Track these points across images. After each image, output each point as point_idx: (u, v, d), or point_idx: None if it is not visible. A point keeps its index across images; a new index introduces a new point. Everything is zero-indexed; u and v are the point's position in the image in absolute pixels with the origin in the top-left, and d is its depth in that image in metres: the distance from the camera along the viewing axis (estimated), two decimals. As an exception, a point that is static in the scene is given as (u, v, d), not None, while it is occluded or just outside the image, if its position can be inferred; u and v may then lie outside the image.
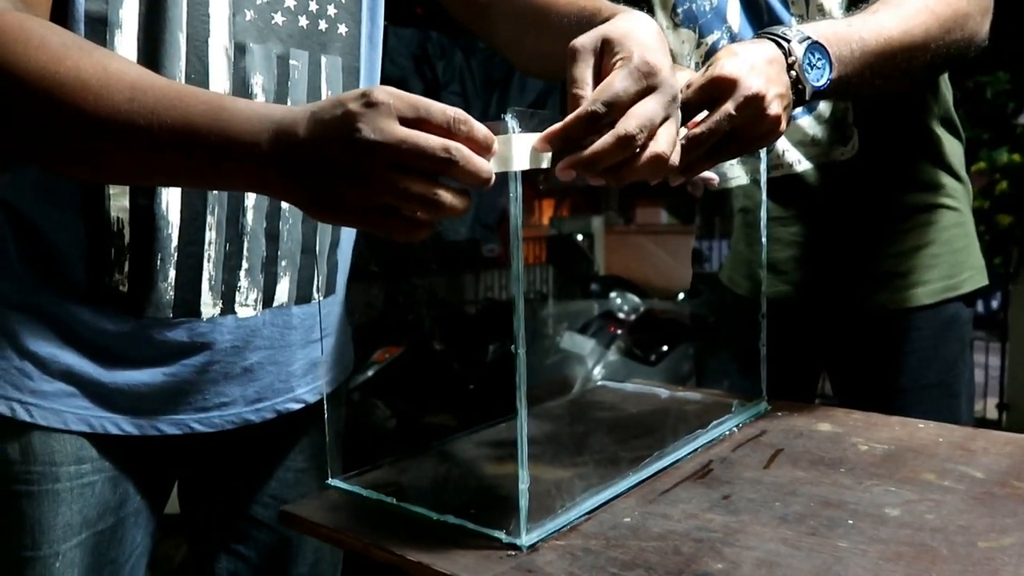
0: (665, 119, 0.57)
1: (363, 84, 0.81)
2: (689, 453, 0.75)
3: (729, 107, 0.63)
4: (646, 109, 0.55)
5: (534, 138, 0.55)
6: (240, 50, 0.70)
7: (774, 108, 0.64)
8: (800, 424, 0.85)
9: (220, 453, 0.81)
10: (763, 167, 0.87)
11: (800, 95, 0.68)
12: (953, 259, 1.01)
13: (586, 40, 0.58)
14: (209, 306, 0.72)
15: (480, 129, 0.53)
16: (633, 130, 0.54)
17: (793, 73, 0.67)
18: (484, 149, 0.53)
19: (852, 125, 0.97)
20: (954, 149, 1.03)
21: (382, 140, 0.50)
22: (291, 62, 0.74)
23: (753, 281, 1.08)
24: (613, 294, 3.47)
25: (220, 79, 0.69)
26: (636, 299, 3.42)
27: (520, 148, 0.54)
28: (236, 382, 0.76)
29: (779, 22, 0.97)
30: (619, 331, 3.18)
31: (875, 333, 1.03)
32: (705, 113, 0.67)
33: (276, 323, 0.77)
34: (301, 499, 0.67)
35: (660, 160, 0.56)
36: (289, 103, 0.73)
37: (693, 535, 0.58)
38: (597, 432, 0.85)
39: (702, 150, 0.65)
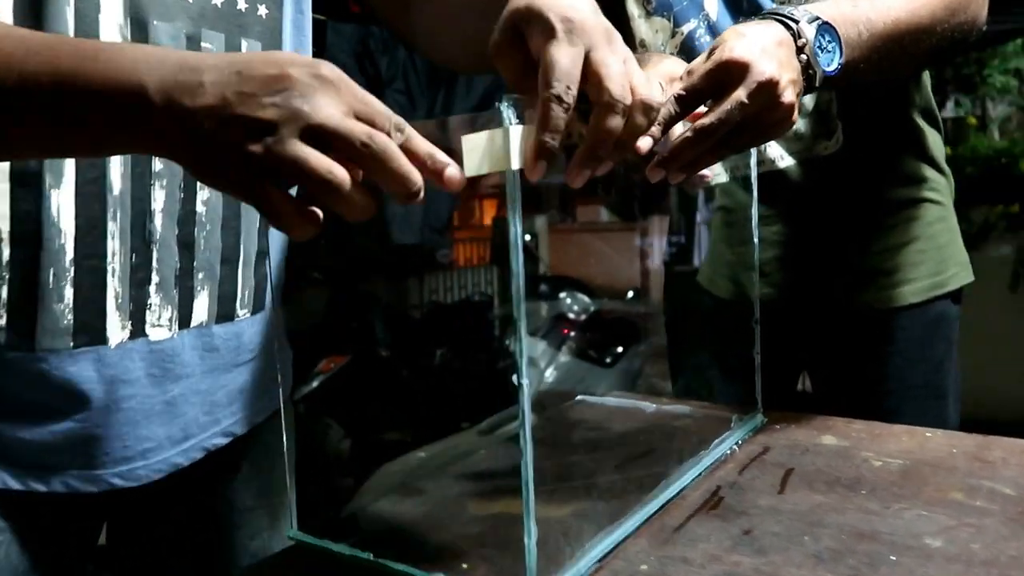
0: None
1: None
2: (694, 479, 0.68)
3: (741, 94, 0.56)
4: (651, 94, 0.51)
5: (533, 131, 0.47)
6: (139, 27, 0.59)
7: (788, 95, 0.58)
8: (803, 438, 0.79)
9: (148, 503, 0.70)
10: (753, 163, 0.81)
11: (810, 81, 0.62)
12: (939, 255, 0.97)
13: (498, 36, 0.54)
14: (117, 329, 0.61)
15: (422, 144, 0.46)
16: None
17: (803, 57, 0.61)
18: (421, 164, 0.46)
19: (836, 118, 0.92)
20: (936, 141, 0.99)
21: (321, 122, 0.42)
22: (204, 44, 0.63)
23: (736, 284, 1.02)
24: (563, 294, 3.41)
25: None
26: (586, 299, 3.37)
27: (519, 143, 0.45)
28: (159, 420, 0.65)
29: (759, 9, 0.91)
30: (570, 332, 3.12)
31: (860, 333, 0.99)
32: (708, 102, 0.60)
33: (196, 346, 0.67)
34: (258, 561, 0.57)
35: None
36: None
37: (723, 583, 0.51)
38: (586, 457, 0.77)
39: (710, 142, 0.58)
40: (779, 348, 1.00)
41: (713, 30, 0.95)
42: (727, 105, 0.56)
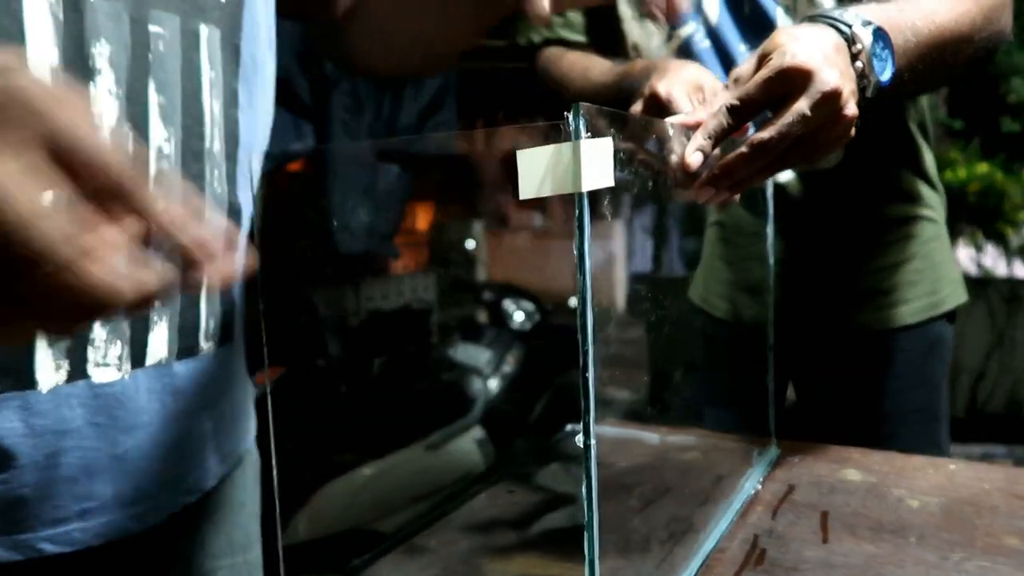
0: None
1: (244, 72, 0.61)
2: (728, 525, 0.62)
3: (803, 106, 0.50)
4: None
5: (607, 145, 0.40)
6: (73, 5, 0.49)
7: (851, 107, 0.52)
8: (824, 473, 0.74)
9: (89, 571, 0.59)
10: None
11: (863, 91, 0.56)
12: (934, 274, 0.95)
13: None
14: (49, 371, 0.50)
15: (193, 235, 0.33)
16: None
17: (859, 64, 0.55)
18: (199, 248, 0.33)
19: None
20: (930, 157, 0.96)
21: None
22: (152, 28, 0.53)
23: (732, 304, 0.97)
24: (507, 301, 3.34)
25: (44, 43, 0.47)
26: (530, 305, 3.31)
27: (593, 160, 0.38)
28: (104, 478, 0.54)
29: (763, 14, 0.87)
30: (516, 340, 3.05)
31: (856, 355, 0.95)
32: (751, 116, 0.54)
33: (154, 388, 0.56)
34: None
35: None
36: (152, 83, 0.53)
37: (802, 664, 0.44)
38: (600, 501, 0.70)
39: (768, 158, 0.52)
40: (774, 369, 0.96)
41: (713, 34, 0.89)
42: (788, 118, 0.50)
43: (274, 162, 2.50)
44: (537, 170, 0.39)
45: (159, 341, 0.55)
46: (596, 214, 0.40)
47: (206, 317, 0.58)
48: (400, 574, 0.57)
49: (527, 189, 0.40)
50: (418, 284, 5.00)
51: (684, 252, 0.91)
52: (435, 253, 4.70)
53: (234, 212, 0.58)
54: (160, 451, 0.57)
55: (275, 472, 0.57)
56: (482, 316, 3.42)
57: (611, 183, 0.40)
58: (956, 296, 0.96)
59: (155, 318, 0.54)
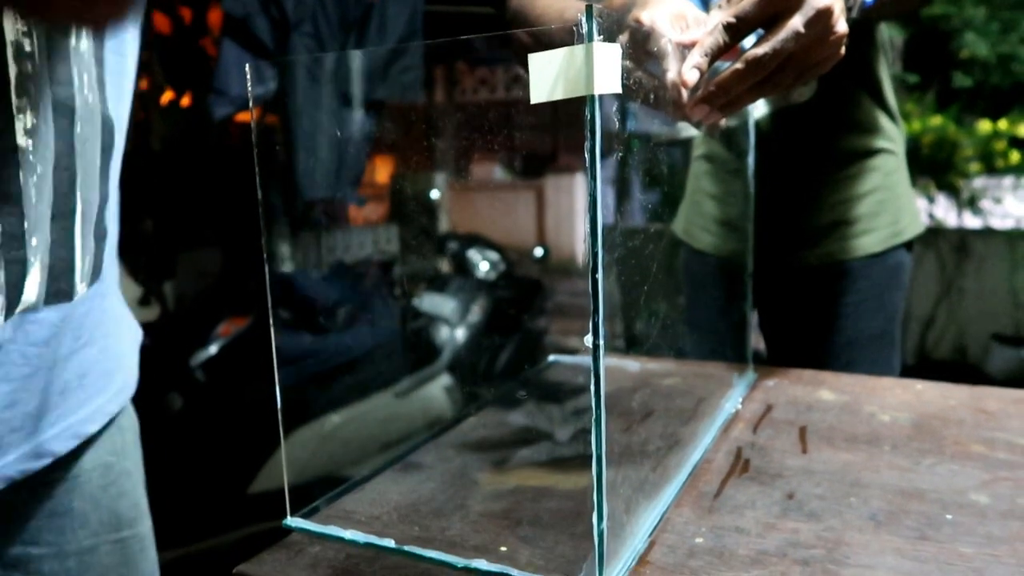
0: None
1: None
2: (712, 440, 0.65)
3: (797, 23, 0.51)
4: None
5: (616, 51, 0.40)
6: None
7: (842, 25, 0.53)
8: (799, 393, 0.77)
9: None
10: (751, 108, 0.76)
11: (849, 12, 0.58)
12: (896, 204, 0.98)
13: None
14: None
15: None
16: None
17: None
18: None
19: None
20: (890, 88, 0.99)
21: None
22: None
23: (715, 236, 0.99)
24: (471, 251, 3.34)
25: None
26: (496, 255, 3.32)
27: (604, 63, 0.38)
28: None
29: None
30: (481, 290, 3.07)
31: (820, 285, 0.98)
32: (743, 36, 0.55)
33: (16, 339, 0.48)
34: (257, 556, 0.49)
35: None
36: None
37: (792, 555, 0.47)
38: (586, 422, 0.72)
39: (760, 75, 0.53)
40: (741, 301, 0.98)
41: None
42: (783, 34, 0.51)
43: (234, 106, 2.44)
44: (549, 74, 0.39)
45: (32, 285, 0.47)
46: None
47: (81, 255, 0.50)
48: (400, 489, 0.58)
49: (538, 93, 0.40)
50: (379, 236, 4.97)
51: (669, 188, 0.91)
52: (395, 204, 4.66)
53: (107, 127, 0.51)
54: (29, 397, 0.50)
55: (280, 420, 0.57)
56: (447, 266, 3.42)
57: (619, 89, 0.41)
58: (915, 226, 0.99)
59: (31, 258, 0.46)
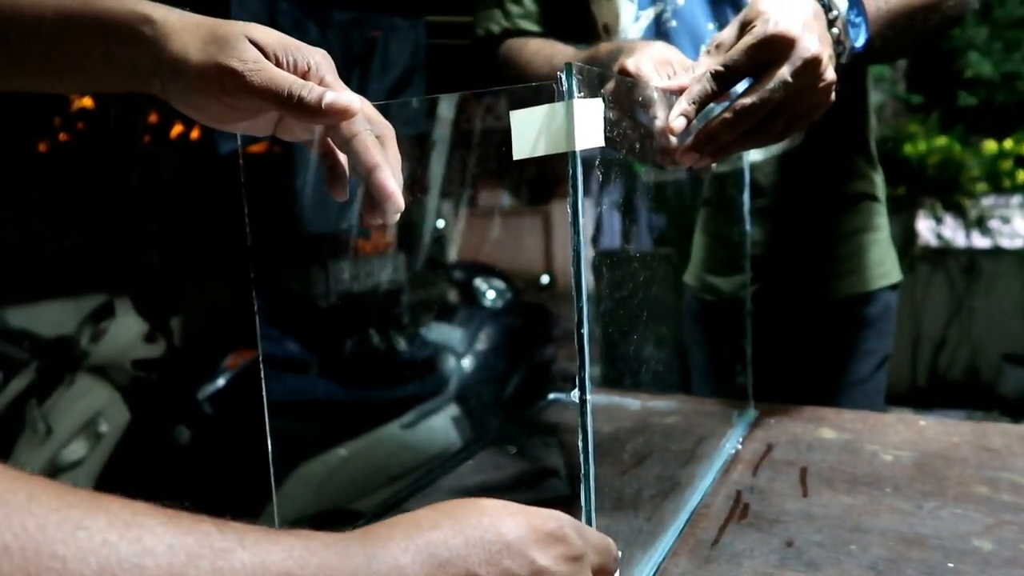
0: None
1: None
2: (711, 483, 0.64)
3: (785, 72, 0.51)
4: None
5: (598, 106, 0.40)
6: None
7: (830, 73, 0.53)
8: (800, 431, 0.76)
9: None
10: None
11: (838, 58, 0.58)
12: (884, 247, 0.97)
13: None
14: None
15: None
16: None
17: (835, 31, 0.57)
18: None
19: None
20: (873, 137, 0.99)
21: None
22: None
23: (713, 276, 0.98)
24: (478, 280, 3.34)
25: None
26: (502, 284, 3.32)
27: (585, 119, 0.39)
28: None
29: None
30: (487, 318, 3.07)
31: (812, 324, 0.97)
32: (735, 84, 0.55)
33: None
34: None
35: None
36: None
37: (789, 607, 0.46)
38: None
39: (749, 124, 0.53)
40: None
41: (679, 15, 0.90)
42: (771, 84, 0.51)
43: (240, 141, 2.46)
44: (530, 130, 0.40)
45: None
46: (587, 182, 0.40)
47: None
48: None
49: (521, 149, 0.40)
50: (386, 265, 4.98)
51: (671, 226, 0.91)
52: (402, 232, 4.67)
53: None
54: None
55: (271, 455, 0.57)
56: (454, 295, 3.42)
57: (601, 143, 0.41)
58: (896, 272, 0.98)
59: None
